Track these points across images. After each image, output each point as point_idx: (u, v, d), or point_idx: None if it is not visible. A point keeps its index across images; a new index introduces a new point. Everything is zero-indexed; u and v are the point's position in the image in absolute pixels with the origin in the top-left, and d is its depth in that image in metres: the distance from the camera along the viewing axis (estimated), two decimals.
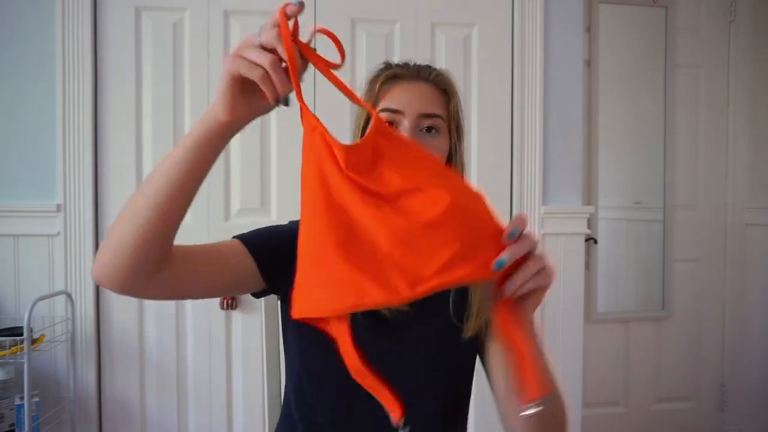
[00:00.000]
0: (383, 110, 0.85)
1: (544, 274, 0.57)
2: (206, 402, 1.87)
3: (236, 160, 1.87)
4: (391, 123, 0.84)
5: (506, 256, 0.54)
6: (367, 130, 0.59)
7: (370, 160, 0.58)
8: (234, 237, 0.83)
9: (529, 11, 1.99)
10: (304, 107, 0.57)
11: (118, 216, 0.66)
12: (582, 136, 2.09)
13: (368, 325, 0.83)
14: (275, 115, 1.89)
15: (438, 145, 0.85)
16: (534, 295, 0.58)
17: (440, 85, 0.88)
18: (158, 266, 0.66)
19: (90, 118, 1.80)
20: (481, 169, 2.00)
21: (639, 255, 2.58)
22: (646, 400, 2.57)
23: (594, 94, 2.43)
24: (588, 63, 2.41)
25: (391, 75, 0.87)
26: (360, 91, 0.90)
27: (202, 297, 0.78)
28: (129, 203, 0.65)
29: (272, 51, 0.55)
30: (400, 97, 0.85)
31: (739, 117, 2.61)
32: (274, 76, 0.55)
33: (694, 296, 2.60)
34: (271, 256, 0.82)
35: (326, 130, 0.57)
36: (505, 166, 2.02)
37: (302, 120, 0.58)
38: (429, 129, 0.84)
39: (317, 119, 0.58)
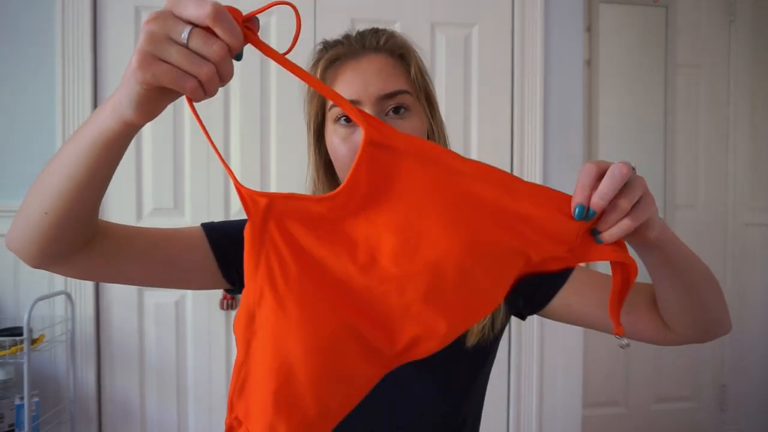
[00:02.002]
0: (335, 105, 0.69)
1: (640, 208, 0.51)
2: (206, 402, 1.87)
3: (236, 160, 1.87)
4: (348, 119, 0.69)
5: (582, 207, 0.50)
6: (359, 149, 0.48)
7: (362, 200, 0.48)
8: (202, 224, 0.74)
9: (529, 11, 1.99)
10: (236, 184, 0.45)
11: (25, 196, 0.57)
12: (582, 136, 2.09)
13: None
14: (275, 116, 1.89)
15: (414, 126, 0.71)
16: (637, 232, 0.54)
17: (394, 51, 0.73)
18: (81, 249, 0.60)
19: None
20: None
21: None
22: (646, 400, 2.57)
23: (594, 94, 2.43)
24: (588, 63, 2.41)
25: (333, 58, 0.73)
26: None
27: (142, 284, 0.70)
28: (34, 186, 0.56)
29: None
30: (350, 83, 0.69)
31: (739, 117, 2.61)
32: (209, 87, 0.44)
33: None
34: (238, 252, 0.65)
35: (283, 200, 0.45)
36: (505, 165, 2.02)
37: (242, 201, 0.45)
38: (396, 110, 0.70)
39: (265, 195, 0.45)
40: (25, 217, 0.57)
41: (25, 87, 1.79)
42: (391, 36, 0.74)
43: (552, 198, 0.51)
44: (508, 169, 2.02)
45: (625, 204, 0.50)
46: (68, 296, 1.76)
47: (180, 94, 0.46)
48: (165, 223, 1.83)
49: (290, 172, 1.88)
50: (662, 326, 0.77)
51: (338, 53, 0.73)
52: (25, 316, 1.53)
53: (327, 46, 0.77)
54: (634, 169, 0.52)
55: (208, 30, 0.42)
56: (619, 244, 0.53)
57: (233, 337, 1.88)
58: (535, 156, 2.00)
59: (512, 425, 1.98)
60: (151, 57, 0.42)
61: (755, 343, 2.56)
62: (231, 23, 0.43)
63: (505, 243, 0.50)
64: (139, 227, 0.68)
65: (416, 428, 0.80)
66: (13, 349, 1.60)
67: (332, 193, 0.48)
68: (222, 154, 1.95)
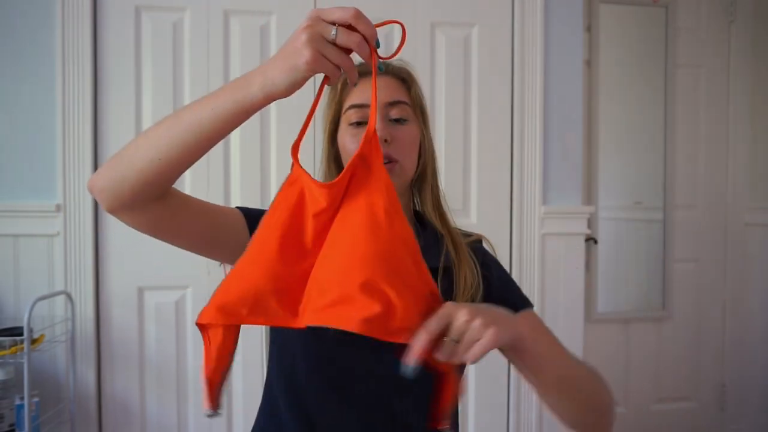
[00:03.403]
0: (350, 108, 0.87)
1: (464, 345, 0.58)
2: None
3: (236, 160, 1.87)
4: (359, 123, 0.86)
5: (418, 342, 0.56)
6: (358, 148, 0.64)
7: (342, 195, 0.63)
8: (237, 207, 0.87)
9: (529, 11, 1.99)
10: (296, 162, 0.65)
11: (133, 142, 0.68)
12: (582, 136, 2.09)
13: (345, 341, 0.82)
14: (275, 116, 1.89)
15: (410, 133, 0.87)
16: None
17: (399, 75, 0.91)
18: (154, 199, 0.70)
19: (90, 118, 1.80)
20: (481, 169, 2.00)
21: (639, 255, 2.57)
22: (646, 400, 2.57)
23: (594, 94, 2.43)
24: (588, 63, 2.41)
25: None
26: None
27: (184, 243, 0.80)
28: (150, 134, 0.67)
29: (347, 50, 0.59)
30: (364, 91, 0.87)
31: (739, 117, 2.61)
32: (351, 77, 0.62)
33: (694, 296, 2.60)
34: None
35: (309, 180, 0.64)
36: (505, 166, 2.02)
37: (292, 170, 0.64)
38: (398, 120, 0.86)
39: (302, 172, 0.64)
40: (128, 162, 0.66)
41: (25, 87, 1.79)
42: (398, 65, 0.93)
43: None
44: (508, 169, 2.02)
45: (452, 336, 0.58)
46: (68, 296, 1.76)
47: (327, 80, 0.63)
48: None
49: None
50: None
51: (358, 69, 0.86)
52: (25, 316, 1.53)
53: None
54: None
55: (349, 27, 0.59)
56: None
57: None
58: (535, 156, 2.00)
59: (512, 425, 1.98)
60: (318, 53, 0.57)
61: (755, 343, 2.56)
62: (367, 20, 0.60)
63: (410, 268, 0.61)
64: (190, 195, 0.80)
65: (403, 411, 0.82)
66: (13, 349, 1.60)
67: (329, 183, 0.63)
68: (222, 153, 1.95)
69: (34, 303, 1.57)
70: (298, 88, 0.61)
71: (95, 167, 1.82)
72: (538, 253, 2.00)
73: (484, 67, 2.00)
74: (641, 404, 2.56)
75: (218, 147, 1.85)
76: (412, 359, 0.56)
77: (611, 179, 2.49)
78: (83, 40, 1.79)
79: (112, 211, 0.70)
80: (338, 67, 0.60)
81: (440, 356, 0.57)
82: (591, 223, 2.23)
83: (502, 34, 2.01)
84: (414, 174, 0.91)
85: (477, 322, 0.58)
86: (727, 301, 2.63)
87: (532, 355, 0.68)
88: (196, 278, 1.85)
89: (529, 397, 1.99)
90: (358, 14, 0.59)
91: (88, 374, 1.80)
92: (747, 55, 2.59)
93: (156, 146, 0.65)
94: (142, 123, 1.84)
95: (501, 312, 0.64)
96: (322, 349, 0.82)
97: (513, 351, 0.67)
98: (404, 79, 0.92)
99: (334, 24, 0.58)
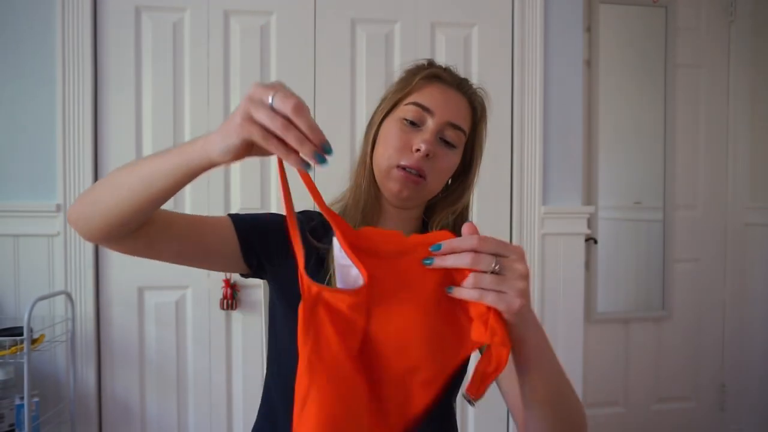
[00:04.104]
0: (413, 104, 0.84)
1: (496, 292, 0.55)
2: (206, 402, 1.87)
3: (235, 165, 1.87)
4: (413, 123, 0.83)
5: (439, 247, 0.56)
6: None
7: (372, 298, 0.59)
8: (228, 214, 0.85)
9: (529, 11, 1.99)
10: (303, 274, 0.57)
11: (98, 184, 0.70)
12: (582, 136, 2.09)
13: None
14: None
15: (450, 161, 0.85)
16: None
17: (474, 102, 0.89)
18: (126, 235, 0.70)
19: (90, 118, 1.80)
20: (481, 169, 1.99)
21: (639, 255, 2.57)
22: (646, 400, 2.57)
23: (594, 94, 2.43)
24: (588, 63, 2.41)
25: (433, 74, 0.86)
26: (391, 87, 0.90)
27: (172, 262, 0.79)
28: (110, 180, 0.68)
29: (283, 115, 0.54)
30: (434, 97, 0.84)
31: (739, 117, 2.61)
32: (298, 146, 0.55)
33: (694, 296, 2.59)
34: (260, 242, 0.83)
35: (327, 291, 0.57)
36: (505, 166, 2.02)
37: (301, 286, 0.57)
38: (448, 143, 0.84)
39: (316, 285, 0.57)
40: (94, 203, 0.68)
41: (25, 87, 1.79)
42: (476, 90, 0.90)
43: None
44: (508, 169, 2.02)
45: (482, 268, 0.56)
46: (68, 296, 1.76)
47: (265, 153, 0.58)
48: None
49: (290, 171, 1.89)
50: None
51: (439, 74, 0.87)
52: (25, 316, 1.53)
53: (432, 65, 0.89)
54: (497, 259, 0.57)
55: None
56: (497, 329, 0.57)
57: (233, 336, 1.88)
58: (535, 156, 2.00)
59: (512, 425, 1.98)
60: (248, 116, 0.54)
61: (755, 343, 2.56)
62: (295, 98, 0.54)
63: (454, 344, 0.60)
64: (176, 212, 0.79)
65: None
66: (13, 349, 1.60)
67: (355, 289, 0.57)
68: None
69: (34, 303, 1.57)
70: (235, 155, 0.58)
71: (95, 167, 1.82)
72: (538, 253, 2.00)
73: (484, 67, 2.00)
74: (641, 404, 2.56)
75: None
76: (440, 255, 0.56)
77: (611, 179, 2.49)
78: (83, 40, 1.79)
79: (92, 242, 0.72)
80: (271, 133, 0.54)
81: (467, 282, 0.56)
82: (591, 223, 2.23)
83: (502, 34, 2.01)
84: (433, 196, 0.89)
85: (520, 284, 0.56)
86: (727, 301, 2.63)
87: (526, 357, 0.63)
88: (196, 278, 1.85)
89: None
90: (299, 106, 0.53)
91: (88, 374, 1.80)
92: (747, 55, 2.59)
93: (114, 194, 0.66)
94: (142, 123, 1.84)
95: (531, 308, 0.62)
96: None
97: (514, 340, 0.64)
98: (475, 108, 0.89)
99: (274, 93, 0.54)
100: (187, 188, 1.85)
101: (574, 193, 2.05)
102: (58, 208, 1.78)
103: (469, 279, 0.56)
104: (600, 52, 2.44)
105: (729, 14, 2.59)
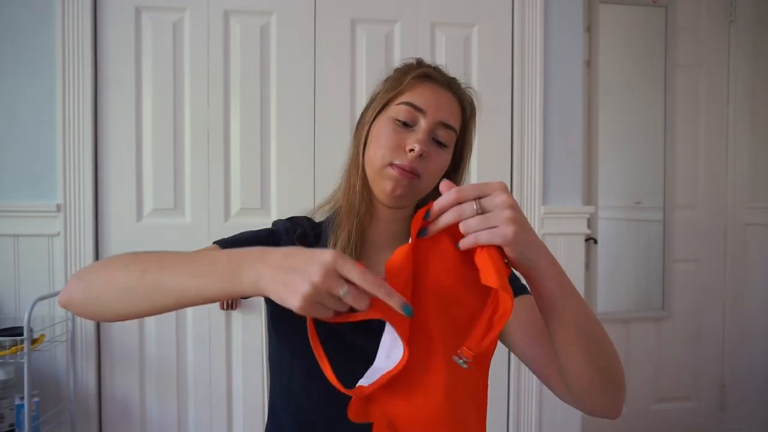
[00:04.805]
0: (405, 103, 0.83)
1: (488, 230, 0.57)
2: (206, 402, 1.87)
3: (236, 160, 1.87)
4: (405, 123, 0.83)
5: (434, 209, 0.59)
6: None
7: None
8: (214, 242, 0.82)
9: (529, 11, 1.99)
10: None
11: (98, 277, 0.66)
12: (582, 136, 2.09)
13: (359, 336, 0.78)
14: (274, 113, 1.89)
15: (442, 161, 0.85)
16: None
17: (464, 101, 0.90)
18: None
19: (90, 118, 1.79)
20: (482, 169, 1.99)
21: (639, 255, 2.57)
22: (646, 399, 2.57)
23: (594, 94, 2.43)
24: (588, 63, 2.41)
25: (424, 74, 0.86)
26: (383, 83, 0.90)
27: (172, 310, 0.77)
28: (113, 277, 0.65)
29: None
30: (426, 96, 0.84)
31: (739, 117, 2.61)
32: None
33: (694, 296, 2.60)
34: None
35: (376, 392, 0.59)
36: (505, 166, 2.02)
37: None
38: (440, 143, 0.84)
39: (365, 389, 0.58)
40: (94, 296, 0.66)
41: (25, 87, 1.79)
42: (467, 91, 0.92)
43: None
44: (508, 169, 2.02)
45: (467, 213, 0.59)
46: None
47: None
48: (165, 223, 1.83)
49: (290, 172, 1.89)
50: (565, 389, 0.73)
51: (430, 73, 0.87)
52: (25, 316, 1.53)
53: (422, 64, 0.90)
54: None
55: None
56: (496, 271, 0.56)
57: (233, 336, 1.88)
58: (535, 156, 2.00)
59: (512, 425, 1.98)
60: (315, 303, 0.54)
61: (755, 343, 2.56)
62: (380, 285, 0.54)
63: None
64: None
65: None
66: (13, 349, 1.60)
67: (396, 365, 0.58)
68: (222, 157, 1.94)
69: (34, 303, 1.57)
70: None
71: (95, 167, 1.82)
72: None
73: (484, 67, 2.00)
74: (641, 404, 2.56)
75: (218, 145, 1.86)
76: (434, 219, 0.59)
77: (611, 179, 2.49)
78: (83, 40, 1.78)
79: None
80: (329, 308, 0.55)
81: (461, 227, 0.58)
82: (591, 223, 2.23)
83: (502, 34, 2.01)
84: (426, 194, 0.89)
85: (507, 213, 0.57)
86: (727, 301, 2.63)
87: (549, 290, 0.64)
88: None
89: (528, 391, 1.99)
90: (378, 284, 0.54)
91: (88, 374, 1.80)
92: (747, 55, 2.59)
93: (115, 298, 0.64)
94: (142, 123, 1.84)
95: (535, 234, 0.62)
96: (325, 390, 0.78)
97: (528, 279, 0.64)
98: (465, 108, 0.90)
99: (346, 282, 0.54)
100: (187, 189, 1.85)
101: (574, 193, 2.06)
102: (58, 208, 1.78)
103: (460, 228, 0.58)
104: (600, 52, 2.44)
105: (729, 14, 2.59)
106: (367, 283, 0.53)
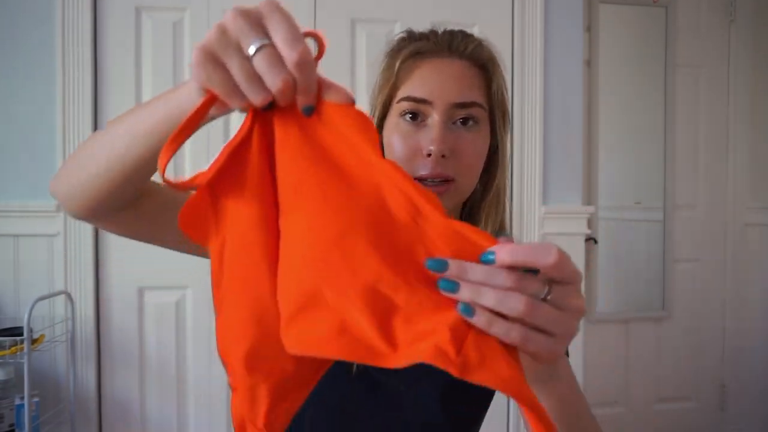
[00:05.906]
0: (405, 99, 0.68)
1: (524, 330, 0.36)
2: (206, 402, 1.87)
3: None
4: (414, 117, 0.68)
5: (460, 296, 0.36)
6: None
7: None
8: None
9: (529, 11, 1.99)
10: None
11: (85, 147, 0.57)
12: (582, 136, 2.09)
13: (363, 388, 0.71)
14: None
15: (476, 145, 0.68)
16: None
17: (478, 60, 0.70)
18: (121, 206, 0.58)
19: (90, 118, 1.79)
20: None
21: (639, 255, 2.57)
22: (646, 400, 2.57)
23: (594, 94, 2.43)
24: (588, 63, 2.41)
25: (415, 51, 0.69)
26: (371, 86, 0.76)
27: (174, 249, 0.67)
28: (98, 142, 0.55)
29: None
30: (426, 81, 0.67)
31: (739, 117, 2.61)
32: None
33: (694, 296, 2.60)
34: None
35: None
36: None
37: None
38: (465, 121, 0.67)
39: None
40: (80, 168, 0.55)
41: (25, 87, 1.79)
42: (479, 44, 0.71)
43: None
44: (507, 170, 2.01)
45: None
46: (68, 296, 1.75)
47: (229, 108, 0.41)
48: None
49: None
50: None
51: (422, 47, 0.70)
52: (25, 316, 1.53)
53: (412, 37, 0.73)
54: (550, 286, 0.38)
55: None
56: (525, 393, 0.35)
57: None
58: (535, 156, 2.00)
59: (512, 425, 1.99)
60: (211, 57, 0.38)
61: (755, 343, 2.56)
62: (312, 70, 0.38)
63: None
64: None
65: None
66: (13, 349, 1.60)
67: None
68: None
69: (34, 303, 1.56)
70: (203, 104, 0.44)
71: None
72: None
73: None
74: (641, 404, 2.56)
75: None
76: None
77: (611, 179, 2.49)
78: (83, 40, 1.78)
79: (80, 219, 0.60)
80: (238, 92, 0.39)
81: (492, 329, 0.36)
82: (591, 223, 2.23)
83: (502, 34, 2.01)
84: (471, 193, 0.72)
85: (575, 325, 0.38)
86: (727, 301, 2.63)
87: (561, 389, 0.53)
88: (196, 278, 1.85)
89: None
90: (303, 58, 0.37)
91: (88, 374, 1.80)
92: (747, 55, 2.59)
93: (108, 151, 0.53)
94: None
95: None
96: (332, 396, 0.71)
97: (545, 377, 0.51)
98: (484, 65, 0.70)
99: (267, 38, 0.38)
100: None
101: (574, 193, 2.05)
102: (58, 208, 1.78)
103: (502, 297, 0.36)
104: (600, 52, 2.44)
105: (729, 14, 2.59)
106: (296, 44, 0.36)
